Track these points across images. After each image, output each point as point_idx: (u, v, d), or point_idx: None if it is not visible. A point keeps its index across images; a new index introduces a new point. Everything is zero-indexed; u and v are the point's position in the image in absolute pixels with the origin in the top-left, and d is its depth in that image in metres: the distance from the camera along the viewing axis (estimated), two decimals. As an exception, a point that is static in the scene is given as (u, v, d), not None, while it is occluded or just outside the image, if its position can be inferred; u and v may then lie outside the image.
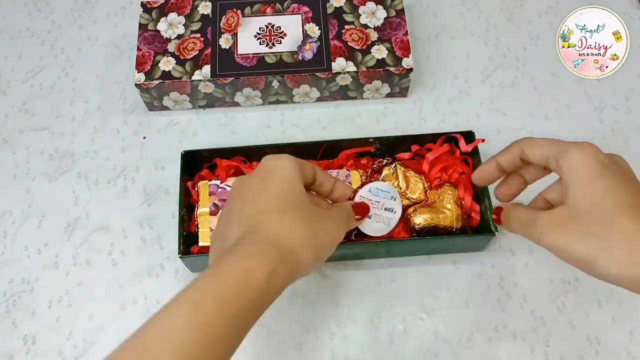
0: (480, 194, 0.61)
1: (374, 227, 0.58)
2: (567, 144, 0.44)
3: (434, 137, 0.64)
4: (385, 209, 0.58)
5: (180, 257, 0.57)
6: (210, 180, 0.63)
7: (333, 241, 0.47)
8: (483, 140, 0.62)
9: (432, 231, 0.60)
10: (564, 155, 0.44)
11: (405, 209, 0.61)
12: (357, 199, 0.58)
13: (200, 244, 0.60)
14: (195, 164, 0.64)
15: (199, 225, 0.60)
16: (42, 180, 0.68)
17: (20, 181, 0.68)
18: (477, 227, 0.62)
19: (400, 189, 0.62)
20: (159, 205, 0.66)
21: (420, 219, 0.60)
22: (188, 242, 0.60)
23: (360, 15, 0.71)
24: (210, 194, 0.62)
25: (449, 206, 0.61)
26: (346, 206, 0.52)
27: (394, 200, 0.59)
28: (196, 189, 0.62)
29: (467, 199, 0.62)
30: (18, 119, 0.72)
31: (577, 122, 0.71)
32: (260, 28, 0.70)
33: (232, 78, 0.67)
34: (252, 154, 0.64)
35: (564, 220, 0.43)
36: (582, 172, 0.43)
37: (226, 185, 0.62)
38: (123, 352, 0.36)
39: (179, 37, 0.70)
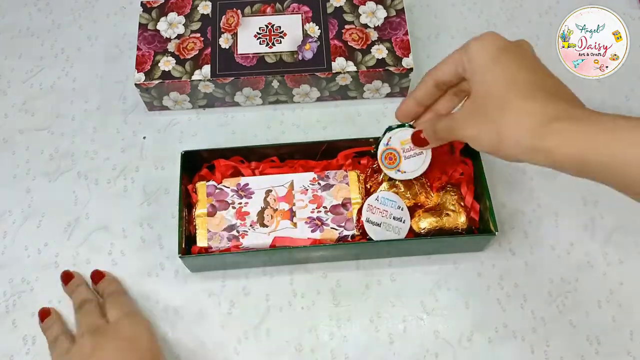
0: (480, 194, 0.61)
1: (384, 236, 0.58)
2: (468, 42, 0.46)
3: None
4: (394, 218, 0.59)
5: (180, 257, 0.57)
6: (209, 180, 0.63)
7: None
8: None
9: (437, 234, 0.60)
10: (466, 52, 0.45)
11: (410, 215, 0.61)
12: (365, 208, 0.59)
13: (198, 244, 0.60)
14: (195, 163, 0.64)
15: (197, 227, 0.60)
16: (42, 180, 0.68)
17: (20, 181, 0.68)
18: (477, 227, 0.62)
19: (400, 188, 0.62)
20: (159, 205, 0.66)
21: (425, 223, 0.60)
22: (188, 242, 0.60)
23: (361, 15, 0.71)
24: (208, 194, 0.62)
25: (452, 207, 0.61)
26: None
27: (402, 210, 0.60)
28: (194, 190, 0.62)
29: (467, 199, 0.62)
30: (18, 119, 0.72)
31: (577, 122, 0.71)
32: (260, 28, 0.70)
33: (232, 78, 0.67)
34: (252, 154, 0.64)
35: (470, 112, 0.45)
36: (480, 60, 0.44)
37: (224, 186, 0.62)
38: None
39: (178, 36, 0.70)
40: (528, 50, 0.45)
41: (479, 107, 0.43)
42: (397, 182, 0.62)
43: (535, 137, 0.40)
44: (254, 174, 0.64)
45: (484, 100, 0.43)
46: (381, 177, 0.62)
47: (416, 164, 0.57)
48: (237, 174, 0.64)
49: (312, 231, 0.60)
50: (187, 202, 0.62)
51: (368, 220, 0.59)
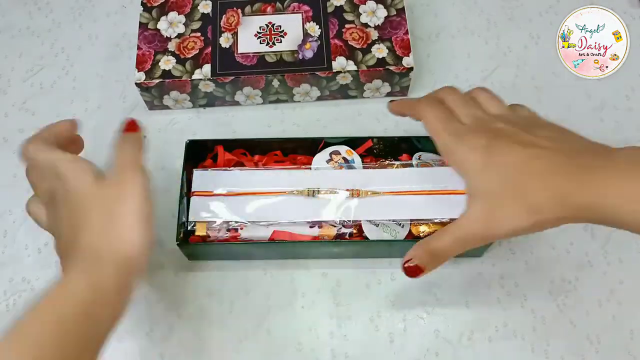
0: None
1: (381, 237, 0.58)
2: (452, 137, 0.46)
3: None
4: (392, 220, 0.59)
5: (177, 244, 0.57)
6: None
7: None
8: None
9: None
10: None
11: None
12: None
13: (197, 233, 0.60)
14: (199, 154, 0.64)
15: None
16: (43, 179, 0.68)
17: (21, 180, 0.68)
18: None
19: (401, 188, 0.62)
20: (159, 205, 0.66)
21: (425, 227, 0.60)
22: (187, 235, 0.60)
23: (361, 14, 0.71)
24: None
25: None
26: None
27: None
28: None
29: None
30: (18, 118, 0.72)
31: (577, 122, 0.70)
32: (260, 27, 0.70)
33: (233, 77, 0.67)
34: (256, 146, 0.64)
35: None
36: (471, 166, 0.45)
37: None
38: None
39: (179, 36, 0.70)
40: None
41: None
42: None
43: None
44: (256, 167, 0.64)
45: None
46: (381, 176, 0.62)
47: None
48: (240, 166, 0.64)
49: (311, 227, 0.60)
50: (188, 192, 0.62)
51: (366, 219, 0.59)
